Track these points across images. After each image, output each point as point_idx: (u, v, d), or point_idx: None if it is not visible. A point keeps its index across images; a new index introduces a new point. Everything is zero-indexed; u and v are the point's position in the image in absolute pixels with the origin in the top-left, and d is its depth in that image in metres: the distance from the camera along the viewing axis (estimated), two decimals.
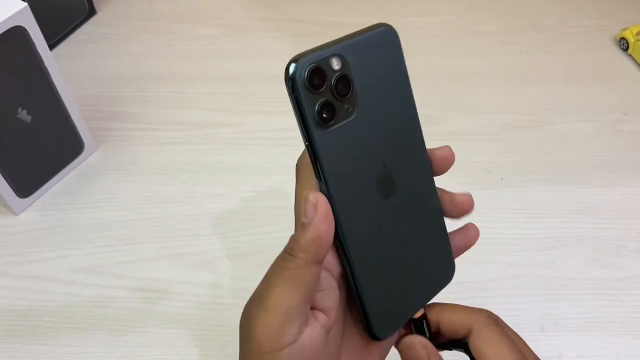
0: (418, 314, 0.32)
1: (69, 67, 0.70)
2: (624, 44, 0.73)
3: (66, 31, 0.74)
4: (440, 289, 0.33)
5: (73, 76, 0.69)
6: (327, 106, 0.27)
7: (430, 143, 0.31)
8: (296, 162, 0.30)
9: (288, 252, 0.27)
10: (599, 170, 0.61)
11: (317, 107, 0.26)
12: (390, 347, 0.33)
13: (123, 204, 0.58)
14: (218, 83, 0.69)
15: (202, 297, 0.51)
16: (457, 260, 0.33)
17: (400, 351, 0.32)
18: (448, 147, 0.31)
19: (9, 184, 0.54)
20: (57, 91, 0.55)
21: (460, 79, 0.70)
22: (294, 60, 0.26)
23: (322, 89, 0.26)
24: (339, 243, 0.28)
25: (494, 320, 0.31)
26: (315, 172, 0.27)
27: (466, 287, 0.51)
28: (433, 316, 0.32)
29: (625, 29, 0.73)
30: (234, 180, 0.60)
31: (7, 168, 0.53)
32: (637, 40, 0.71)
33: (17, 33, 0.49)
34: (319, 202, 0.26)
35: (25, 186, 0.57)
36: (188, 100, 0.67)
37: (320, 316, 0.28)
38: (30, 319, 0.50)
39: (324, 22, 0.77)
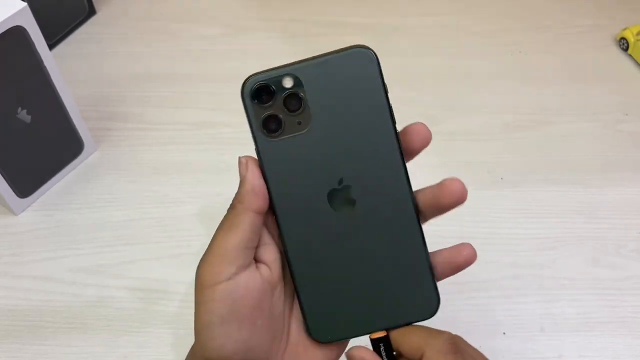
0: (377, 335, 0.32)
1: (69, 67, 0.70)
2: (624, 44, 0.73)
3: (66, 31, 0.74)
4: (416, 320, 0.32)
5: (73, 76, 0.69)
6: (272, 118, 0.30)
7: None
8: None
9: (230, 206, 0.31)
10: (599, 170, 0.61)
11: (262, 118, 0.31)
12: (340, 355, 0.33)
13: (123, 204, 0.58)
14: (218, 83, 0.69)
15: None
16: None
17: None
18: (421, 122, 0.31)
19: (9, 184, 0.54)
20: (57, 91, 0.55)
21: (460, 79, 0.70)
22: (249, 77, 0.31)
23: (270, 103, 0.30)
24: (282, 244, 0.31)
25: (453, 347, 0.29)
26: (263, 176, 0.31)
27: (466, 287, 0.51)
28: (394, 336, 0.31)
29: (625, 29, 0.73)
30: (234, 180, 0.59)
31: (7, 168, 0.53)
32: (637, 40, 0.71)
33: (17, 33, 0.49)
34: (248, 162, 0.31)
35: (25, 186, 0.57)
36: (188, 100, 0.67)
37: (263, 268, 0.31)
38: (30, 319, 0.50)
39: (324, 22, 0.77)
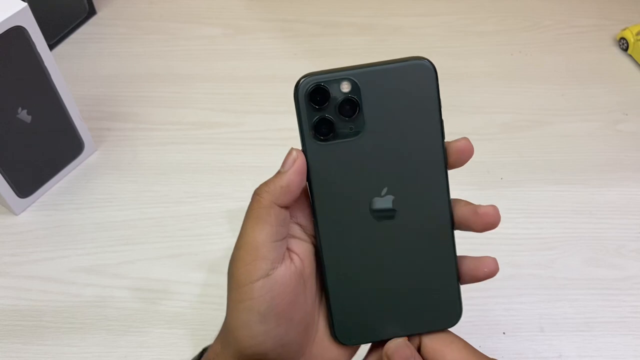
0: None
1: (69, 67, 0.70)
2: (624, 44, 0.73)
3: (66, 31, 0.74)
4: (437, 328, 0.32)
5: (73, 76, 0.69)
6: (325, 122, 0.30)
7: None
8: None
9: (255, 194, 0.30)
10: (599, 170, 0.61)
11: (314, 120, 0.29)
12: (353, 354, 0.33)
13: (123, 204, 0.58)
14: (218, 83, 0.69)
15: (202, 297, 0.51)
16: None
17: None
18: (466, 138, 0.32)
19: (9, 184, 0.54)
20: (57, 91, 0.55)
21: (460, 79, 0.70)
22: (306, 75, 0.29)
23: (325, 106, 0.29)
24: (318, 246, 0.31)
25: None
26: (307, 179, 0.30)
27: (466, 287, 0.51)
28: (427, 342, 0.32)
29: (625, 29, 0.73)
30: (234, 180, 0.60)
31: (7, 168, 0.53)
32: (637, 40, 0.71)
33: (17, 33, 0.49)
34: (298, 157, 0.29)
35: (25, 186, 0.57)
36: (188, 100, 0.67)
37: (296, 259, 0.31)
38: (30, 319, 0.50)
39: (324, 22, 0.77)
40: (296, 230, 0.32)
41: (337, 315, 0.32)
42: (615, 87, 0.69)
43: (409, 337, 0.32)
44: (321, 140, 0.30)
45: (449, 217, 0.32)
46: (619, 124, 0.65)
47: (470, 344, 0.32)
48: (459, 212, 0.32)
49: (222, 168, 0.61)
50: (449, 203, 0.32)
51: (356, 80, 0.29)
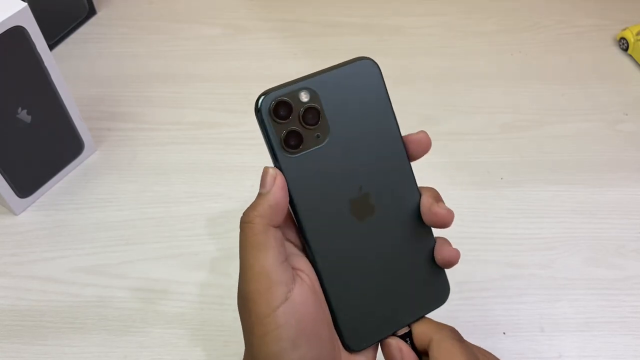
0: (402, 331, 0.33)
1: (69, 67, 0.70)
2: (624, 44, 0.73)
3: (66, 31, 0.74)
4: (431, 309, 0.34)
5: (73, 76, 0.69)
6: (293, 134, 0.30)
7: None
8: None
9: (244, 222, 0.29)
10: (599, 170, 0.61)
11: (282, 134, 0.30)
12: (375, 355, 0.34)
13: (123, 204, 0.58)
14: (218, 83, 0.69)
15: (202, 297, 0.51)
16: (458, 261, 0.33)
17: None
18: (423, 131, 0.32)
19: (9, 184, 0.54)
20: (57, 91, 0.55)
21: (460, 79, 0.70)
22: (263, 93, 0.30)
23: (289, 119, 0.30)
24: (311, 259, 0.31)
25: (457, 334, 0.31)
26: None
27: (466, 287, 0.51)
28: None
29: (625, 29, 0.73)
30: (234, 180, 0.60)
31: (7, 168, 0.53)
32: (637, 40, 0.71)
33: (17, 33, 0.49)
34: (277, 174, 0.29)
35: (25, 186, 0.57)
36: (188, 100, 0.67)
37: (304, 275, 0.30)
38: (31, 319, 0.50)
39: (324, 22, 0.77)
40: (290, 247, 0.32)
41: (343, 325, 0.32)
42: (615, 87, 0.69)
43: (411, 325, 0.33)
44: (292, 153, 0.30)
45: (418, 197, 0.33)
46: (619, 124, 0.65)
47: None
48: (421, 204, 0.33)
49: (222, 168, 0.61)
50: (415, 183, 0.33)
51: (313, 88, 0.30)
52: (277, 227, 0.30)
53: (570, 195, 0.58)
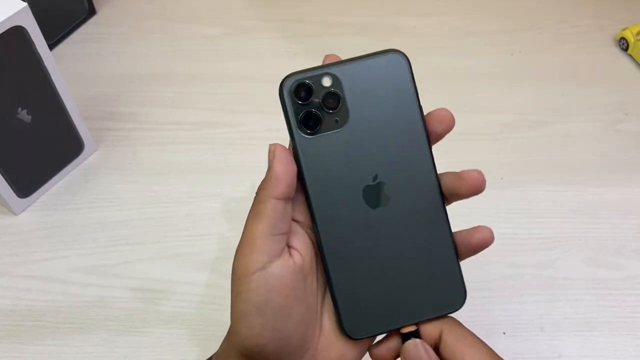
0: (407, 329, 0.32)
1: (69, 67, 0.70)
2: (624, 44, 0.73)
3: (66, 31, 0.74)
4: (444, 312, 0.33)
5: (73, 76, 0.69)
6: (311, 115, 0.31)
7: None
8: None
9: (255, 195, 0.31)
10: (599, 170, 0.61)
11: (301, 115, 0.31)
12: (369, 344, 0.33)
13: (123, 204, 0.58)
14: (218, 83, 0.69)
15: (202, 297, 0.51)
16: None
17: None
18: (445, 109, 0.33)
19: (9, 184, 0.54)
20: (57, 91, 0.55)
21: (460, 79, 0.70)
22: (288, 75, 0.31)
23: (309, 101, 0.31)
24: (317, 239, 0.32)
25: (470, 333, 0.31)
26: (299, 174, 0.31)
27: (466, 287, 0.51)
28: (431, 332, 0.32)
29: (625, 29, 0.73)
30: (234, 180, 0.60)
31: (7, 168, 0.53)
32: (637, 40, 0.71)
33: (17, 33, 0.49)
34: (276, 149, 0.31)
35: (25, 186, 0.57)
36: (188, 100, 0.67)
37: (296, 255, 0.31)
38: (30, 319, 0.50)
39: (324, 22, 0.77)
40: (296, 227, 0.32)
41: (343, 310, 0.32)
42: (615, 87, 0.69)
43: (423, 323, 0.32)
44: (309, 134, 0.31)
45: (440, 201, 0.33)
46: (619, 124, 0.65)
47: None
48: (445, 183, 0.32)
49: (222, 168, 0.61)
50: (438, 182, 0.32)
51: (337, 74, 0.31)
52: (282, 199, 0.30)
53: (570, 195, 0.58)
